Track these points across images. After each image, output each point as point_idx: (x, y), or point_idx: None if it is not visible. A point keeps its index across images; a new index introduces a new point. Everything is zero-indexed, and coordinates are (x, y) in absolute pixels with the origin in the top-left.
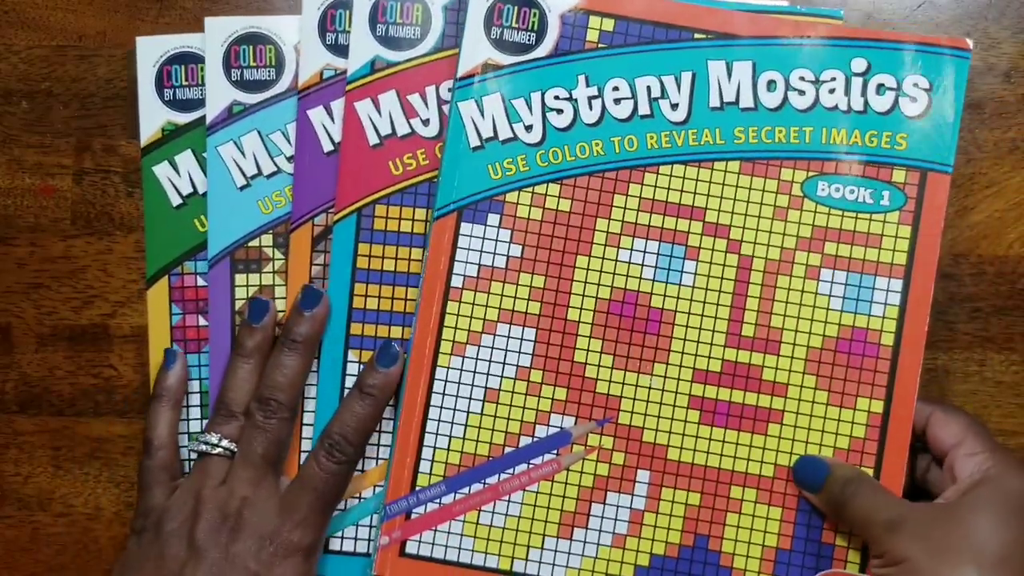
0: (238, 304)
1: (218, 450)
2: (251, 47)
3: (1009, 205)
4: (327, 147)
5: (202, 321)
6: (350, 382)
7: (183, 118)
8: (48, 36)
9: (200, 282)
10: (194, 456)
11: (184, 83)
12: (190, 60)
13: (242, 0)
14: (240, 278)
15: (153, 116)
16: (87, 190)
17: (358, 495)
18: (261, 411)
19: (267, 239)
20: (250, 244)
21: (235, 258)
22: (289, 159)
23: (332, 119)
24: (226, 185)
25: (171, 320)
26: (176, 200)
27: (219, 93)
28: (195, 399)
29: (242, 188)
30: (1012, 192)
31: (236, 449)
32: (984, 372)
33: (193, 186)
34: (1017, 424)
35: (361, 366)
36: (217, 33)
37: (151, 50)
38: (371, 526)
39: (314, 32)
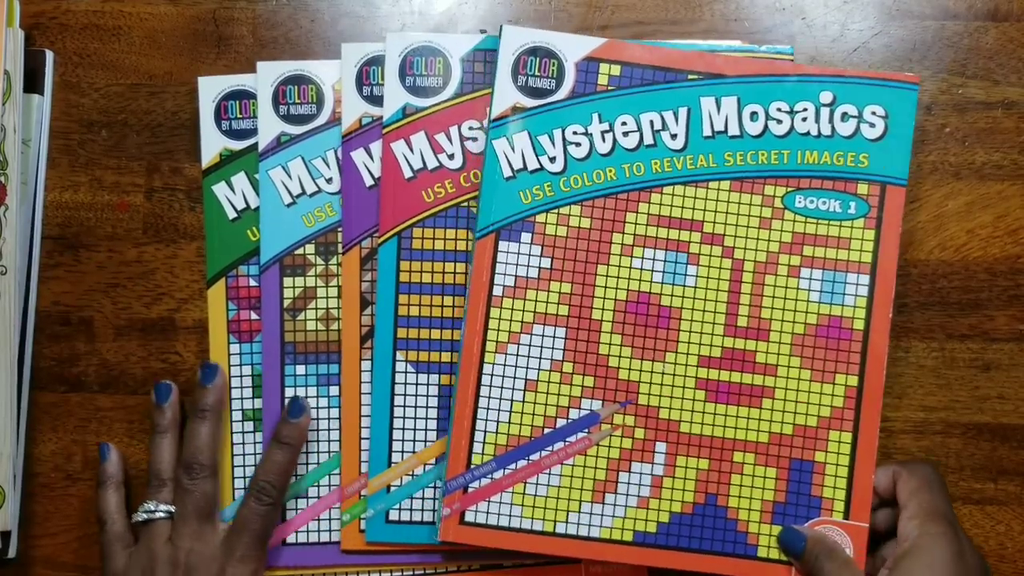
0: (286, 303)
1: (158, 514)
2: (296, 87)
3: (929, 218)
4: (368, 182)
5: (254, 316)
6: (399, 378)
7: (237, 145)
8: (123, 76)
9: (252, 283)
10: (144, 518)
11: (238, 116)
12: (243, 96)
13: (286, 45)
14: (288, 281)
15: (212, 143)
16: (156, 205)
17: (411, 472)
18: (187, 475)
19: (310, 248)
20: (296, 252)
21: (283, 264)
22: (328, 180)
23: (371, 158)
24: (275, 202)
25: (227, 315)
26: (232, 214)
27: (269, 125)
28: (247, 381)
29: (289, 205)
30: (932, 207)
31: (172, 510)
32: (909, 357)
33: (246, 202)
34: (936, 401)
35: (408, 364)
36: (267, 75)
37: (211, 88)
38: (432, 498)
39: (353, 87)
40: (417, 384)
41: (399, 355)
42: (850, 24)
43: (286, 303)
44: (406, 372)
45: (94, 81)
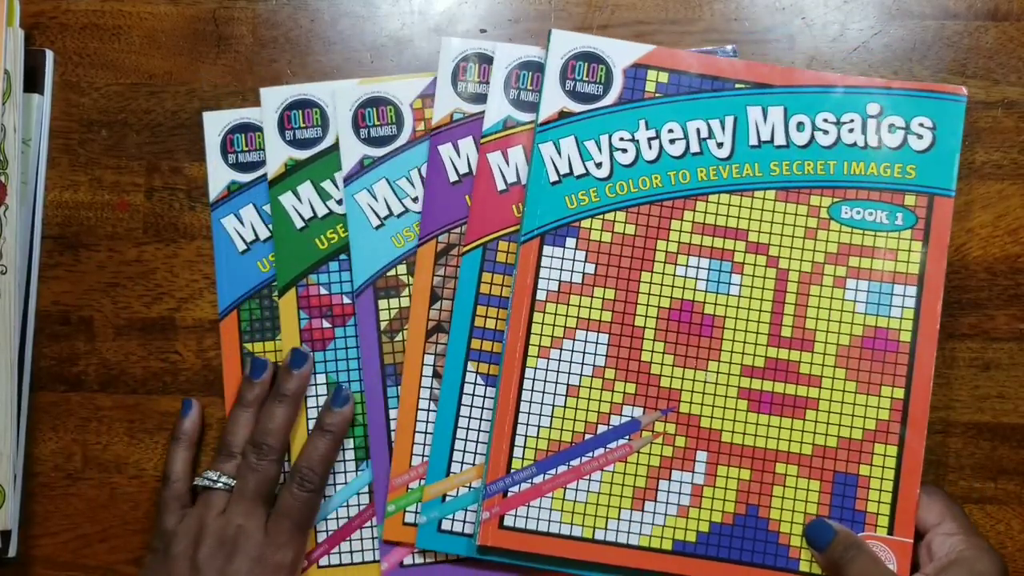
0: (382, 325)
1: (218, 485)
2: (374, 109)
3: None
4: (452, 177)
5: (325, 324)
6: (468, 389)
7: (302, 155)
8: (123, 75)
9: (322, 291)
10: (203, 484)
11: (302, 125)
12: (305, 106)
13: (286, 45)
14: (383, 303)
15: (278, 154)
16: (156, 205)
17: (468, 485)
18: (255, 453)
19: (402, 268)
20: (388, 274)
21: (376, 287)
22: (414, 200)
23: (458, 154)
24: (364, 226)
25: (299, 323)
26: (299, 223)
27: (351, 150)
28: (322, 389)
29: (377, 227)
30: None
31: (233, 484)
32: None
33: (313, 211)
34: (936, 400)
35: (478, 376)
36: (344, 98)
37: (273, 98)
38: (471, 510)
39: (448, 82)
40: (485, 397)
41: (470, 366)
42: (850, 24)
43: (382, 325)
44: (475, 384)
45: (94, 81)
